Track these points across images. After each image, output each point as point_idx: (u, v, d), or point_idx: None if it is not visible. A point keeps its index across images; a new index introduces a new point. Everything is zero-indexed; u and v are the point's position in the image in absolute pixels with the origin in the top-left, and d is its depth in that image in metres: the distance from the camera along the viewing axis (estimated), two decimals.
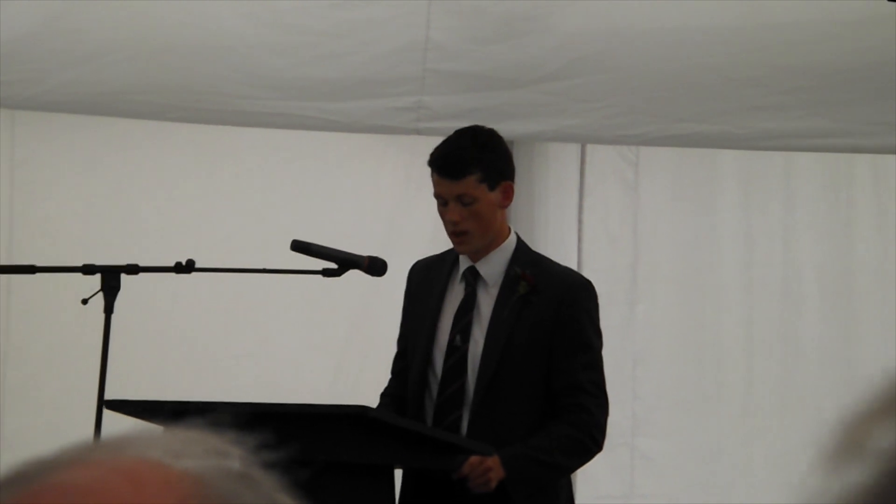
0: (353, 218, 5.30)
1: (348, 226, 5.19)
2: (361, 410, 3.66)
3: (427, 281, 4.00)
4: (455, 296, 3.95)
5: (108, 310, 3.87)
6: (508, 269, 3.92)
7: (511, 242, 3.97)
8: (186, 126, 5.08)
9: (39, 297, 5.02)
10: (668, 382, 5.48)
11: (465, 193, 3.87)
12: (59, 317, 5.00)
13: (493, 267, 3.94)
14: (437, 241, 4.22)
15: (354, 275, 3.95)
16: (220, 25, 4.81)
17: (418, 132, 4.86)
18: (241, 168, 5.36)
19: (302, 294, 5.15)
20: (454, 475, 3.79)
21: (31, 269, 3.95)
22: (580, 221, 5.54)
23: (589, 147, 5.51)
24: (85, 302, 3.84)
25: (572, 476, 4.09)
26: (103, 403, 3.83)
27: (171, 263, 3.92)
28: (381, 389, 4.09)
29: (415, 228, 5.20)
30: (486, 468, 3.79)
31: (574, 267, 4.99)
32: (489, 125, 4.04)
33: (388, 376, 4.11)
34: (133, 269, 3.91)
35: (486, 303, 3.92)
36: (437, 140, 4.02)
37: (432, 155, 3.92)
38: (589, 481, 5.32)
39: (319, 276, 3.94)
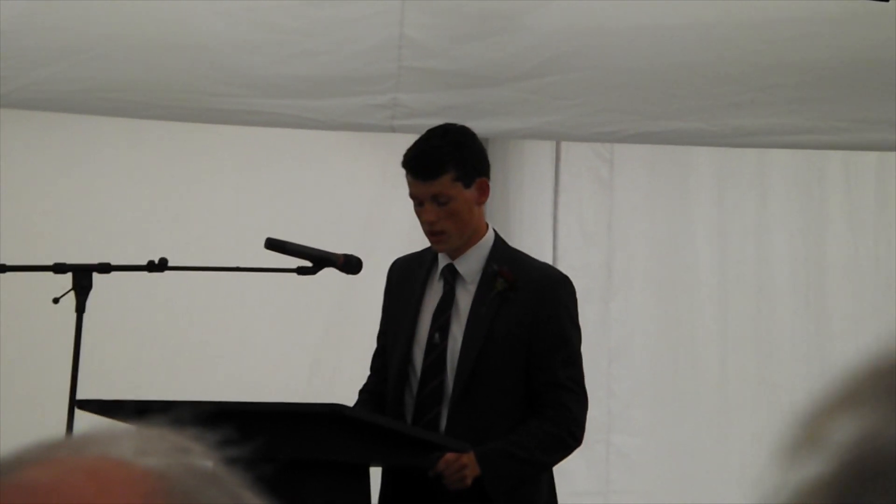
0: (329, 216, 5.29)
1: (324, 224, 5.18)
2: (337, 409, 3.65)
3: (407, 278, 4.00)
4: (434, 293, 3.95)
5: (80, 309, 3.85)
6: (486, 266, 3.92)
7: (489, 239, 3.97)
8: (161, 124, 5.06)
9: (10, 296, 4.99)
10: (643, 379, 5.49)
11: (441, 193, 3.87)
12: (31, 316, 4.97)
13: (471, 264, 3.94)
14: (413, 238, 4.22)
15: (329, 273, 3.95)
16: (196, 23, 4.79)
17: (394, 130, 4.86)
18: (216, 166, 5.35)
19: (277, 292, 5.14)
20: (430, 472, 3.79)
21: (1, 268, 3.92)
22: (555, 219, 5.54)
23: (564, 144, 5.51)
24: (56, 301, 3.82)
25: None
26: (75, 403, 3.81)
27: (144, 262, 3.90)
28: (358, 387, 4.09)
29: (391, 226, 5.19)
30: (462, 465, 3.79)
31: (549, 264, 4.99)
32: (464, 123, 4.04)
33: (365, 374, 4.10)
34: (105, 268, 3.90)
35: (464, 300, 3.92)
36: (413, 138, 4.01)
37: (405, 156, 3.92)
38: (565, 477, 5.32)
39: (294, 275, 3.93)
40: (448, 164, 3.87)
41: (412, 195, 3.91)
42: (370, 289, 4.12)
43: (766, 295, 5.51)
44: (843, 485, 0.64)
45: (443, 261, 3.97)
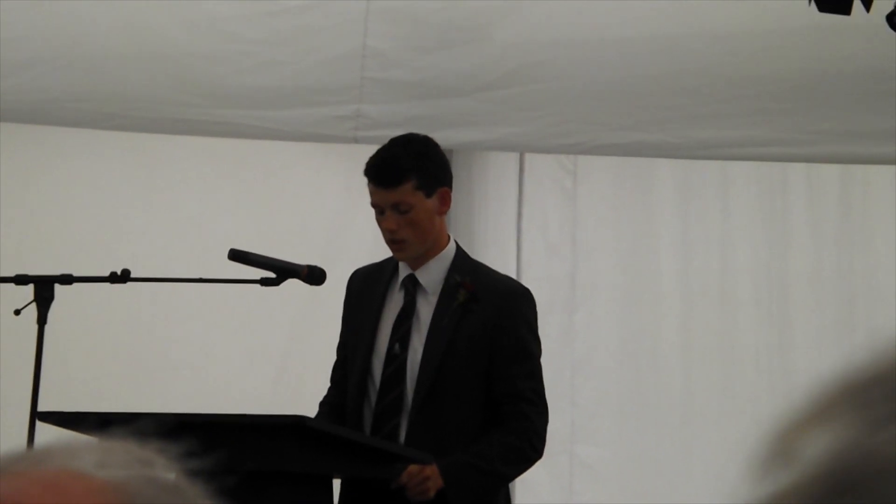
0: (292, 227, 5.28)
1: (287, 235, 5.17)
2: (299, 420, 3.64)
3: (367, 289, 4.00)
4: (394, 304, 3.95)
5: (42, 321, 3.83)
6: (448, 277, 3.92)
7: (450, 250, 3.97)
8: (123, 134, 5.04)
9: None
10: (606, 390, 5.50)
11: (402, 201, 3.87)
12: None
13: (433, 275, 3.94)
14: (377, 249, 4.21)
15: (293, 284, 3.94)
16: (158, 33, 4.78)
17: (357, 141, 4.85)
18: (178, 177, 5.33)
19: (240, 303, 5.12)
20: (393, 484, 3.78)
21: None
22: (519, 230, 5.55)
23: (528, 156, 5.52)
24: (17, 313, 3.79)
25: (512, 483, 4.09)
26: (36, 415, 3.79)
27: (107, 273, 3.88)
28: (321, 398, 4.08)
29: (354, 237, 5.18)
30: (425, 477, 3.78)
31: (513, 275, 5.00)
32: (428, 134, 4.04)
33: (328, 385, 4.10)
34: (67, 280, 3.87)
35: (425, 311, 3.92)
36: (377, 149, 4.01)
37: (367, 164, 3.92)
38: (528, 489, 5.33)
39: (258, 286, 3.92)
40: (409, 173, 3.87)
41: (373, 203, 3.91)
42: (333, 299, 4.12)
43: (730, 306, 5.53)
44: (814, 499, 0.64)
45: (404, 271, 3.96)
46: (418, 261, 3.94)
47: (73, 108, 4.82)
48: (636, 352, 5.52)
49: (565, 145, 5.09)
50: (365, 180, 3.95)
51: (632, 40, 4.87)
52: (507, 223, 5.54)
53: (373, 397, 3.90)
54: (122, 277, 3.86)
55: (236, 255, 3.90)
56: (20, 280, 3.85)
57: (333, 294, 4.11)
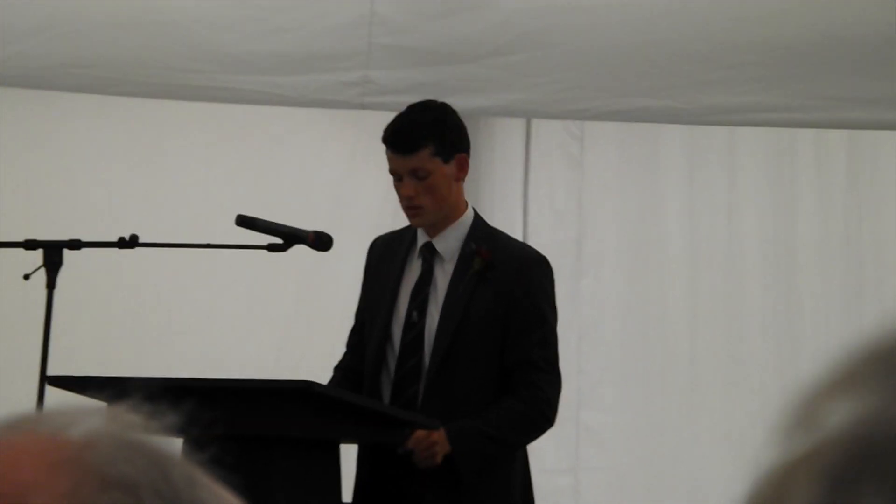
0: (299, 193, 5.28)
1: (294, 201, 5.17)
2: (306, 385, 3.65)
3: (386, 257, 4.00)
4: (413, 271, 3.95)
5: (51, 285, 3.84)
6: (465, 245, 3.92)
7: (468, 218, 3.98)
8: (130, 100, 5.04)
9: None
10: (613, 356, 5.51)
11: (420, 167, 3.87)
12: (1, 292, 4.95)
13: (450, 242, 3.94)
14: (383, 215, 4.22)
15: (300, 250, 3.94)
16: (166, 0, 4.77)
17: (364, 107, 4.84)
18: (186, 143, 5.33)
19: (246, 269, 5.13)
20: (399, 449, 3.80)
21: None
22: (525, 196, 5.54)
23: (534, 122, 5.51)
24: (27, 277, 3.81)
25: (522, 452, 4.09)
26: (45, 379, 3.80)
27: (115, 238, 3.89)
28: (326, 363, 4.09)
29: (360, 203, 5.19)
30: (432, 442, 3.79)
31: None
32: (447, 102, 4.04)
33: (334, 350, 4.10)
34: (75, 245, 3.88)
35: (442, 278, 3.92)
36: (383, 114, 4.01)
37: (385, 131, 3.92)
38: (534, 455, 5.33)
39: (264, 252, 3.92)
40: (427, 139, 3.87)
41: (391, 170, 3.91)
42: (339, 265, 4.12)
43: (736, 272, 5.52)
44: (837, 466, 0.64)
45: (422, 239, 3.97)
46: (436, 228, 3.94)
47: (80, 74, 4.82)
48: (642, 318, 5.52)
49: (572, 111, 5.08)
50: (372, 146, 3.96)
51: (639, 6, 4.85)
52: (513, 189, 5.54)
53: (391, 364, 3.91)
54: (131, 243, 3.87)
55: (243, 221, 3.91)
56: (29, 245, 3.86)
57: (339, 260, 4.12)
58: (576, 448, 5.46)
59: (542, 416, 3.86)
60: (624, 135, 5.50)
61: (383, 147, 3.92)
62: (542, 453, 5.34)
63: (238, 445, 3.56)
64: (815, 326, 5.46)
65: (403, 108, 4.01)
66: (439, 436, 3.79)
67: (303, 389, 3.64)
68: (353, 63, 4.85)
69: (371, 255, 4.04)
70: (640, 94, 4.95)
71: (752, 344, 5.50)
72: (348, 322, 4.10)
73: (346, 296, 4.12)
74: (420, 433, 3.78)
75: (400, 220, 4.11)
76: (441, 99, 4.09)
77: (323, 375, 4.07)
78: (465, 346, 3.86)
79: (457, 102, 4.78)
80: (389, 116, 4.01)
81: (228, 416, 3.56)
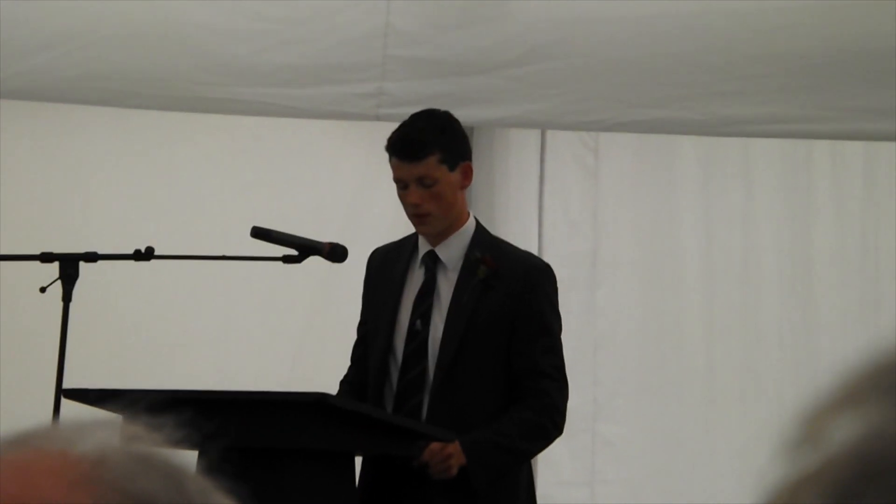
0: (314, 204, 5.29)
1: (308, 212, 5.18)
2: (321, 397, 3.65)
3: (386, 267, 4.00)
4: (415, 281, 3.95)
5: (67, 298, 3.85)
6: (468, 253, 3.92)
7: (470, 226, 3.98)
8: (146, 113, 5.06)
9: None
10: (628, 368, 5.50)
11: (426, 175, 3.88)
12: (17, 305, 4.97)
13: (453, 251, 3.94)
14: (397, 227, 4.21)
15: (315, 261, 3.94)
16: (181, 12, 4.79)
17: (379, 118, 4.85)
18: (201, 155, 5.34)
19: (262, 281, 5.14)
20: (415, 462, 3.79)
21: None
22: (540, 207, 5.54)
23: (549, 133, 5.51)
24: (43, 290, 3.82)
25: (534, 461, 4.09)
26: (61, 392, 3.81)
27: (131, 251, 3.90)
28: (341, 377, 4.09)
29: (375, 215, 5.19)
30: (447, 454, 3.79)
31: (535, 252, 4.99)
32: (450, 111, 4.05)
33: (349, 363, 4.10)
34: (92, 257, 3.89)
35: (445, 287, 3.92)
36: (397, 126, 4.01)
37: (390, 139, 3.92)
38: (550, 466, 5.33)
39: (279, 263, 3.93)
40: (433, 146, 3.88)
41: (397, 178, 3.91)
42: (354, 277, 4.12)
43: (753, 284, 5.51)
44: (842, 483, 0.64)
45: (423, 248, 3.97)
46: (438, 237, 3.94)
47: (96, 87, 4.83)
48: (658, 329, 5.51)
49: (587, 122, 5.08)
50: (385, 158, 3.95)
51: (654, 17, 4.85)
52: (528, 200, 5.53)
53: (394, 374, 3.91)
54: (146, 255, 3.88)
55: (258, 233, 3.91)
56: (46, 258, 3.87)
57: (353, 272, 4.12)
58: (592, 460, 5.45)
59: (552, 423, 3.86)
60: (639, 146, 5.49)
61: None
62: (558, 464, 5.33)
63: (252, 458, 3.56)
64: (831, 338, 5.45)
65: None
66: (454, 448, 3.79)
67: (317, 402, 3.64)
68: (368, 75, 4.86)
69: (370, 267, 4.05)
70: (655, 104, 4.95)
71: (768, 355, 5.48)
72: None
73: (359, 307, 4.12)
74: (435, 446, 3.78)
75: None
76: (456, 110, 4.10)
77: (337, 387, 4.06)
78: (471, 354, 3.86)
79: (472, 114, 4.79)
80: None
81: (243, 428, 3.56)
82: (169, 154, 5.33)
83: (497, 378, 3.88)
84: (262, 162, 5.36)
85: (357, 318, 4.09)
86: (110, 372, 4.78)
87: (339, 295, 4.97)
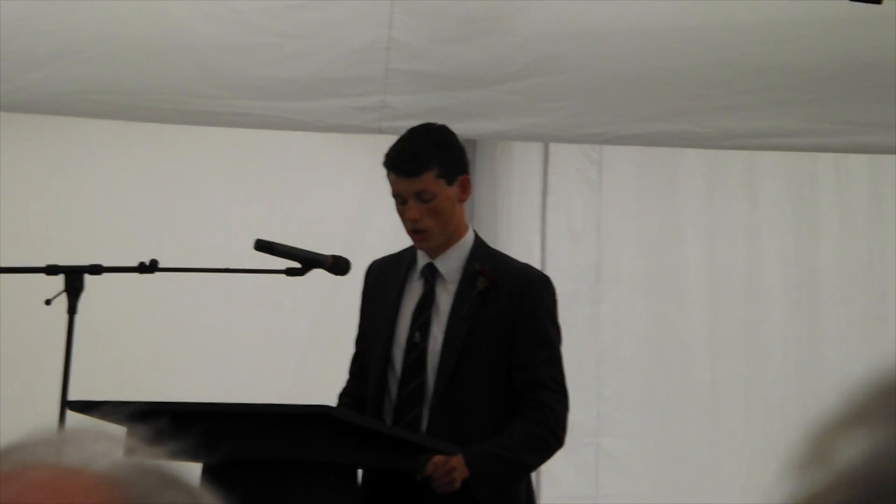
0: (316, 217, 5.30)
1: (311, 225, 5.19)
2: (324, 410, 3.65)
3: (384, 280, 4.00)
4: (413, 293, 3.95)
5: (72, 310, 3.85)
6: (467, 266, 3.92)
7: (469, 239, 3.98)
8: (149, 126, 5.07)
9: (2, 298, 4.99)
10: (632, 381, 5.49)
11: (424, 190, 3.88)
12: (22, 317, 4.98)
13: (452, 263, 3.94)
14: (399, 239, 4.22)
15: (317, 274, 3.95)
16: (183, 26, 4.80)
17: (381, 132, 4.86)
18: (204, 168, 5.36)
19: (265, 293, 5.14)
20: (418, 475, 3.79)
21: None
22: (543, 220, 5.54)
23: (552, 146, 5.52)
24: (48, 303, 3.82)
25: (537, 475, 4.09)
26: (66, 404, 3.81)
27: (135, 263, 3.90)
28: (341, 390, 4.09)
29: (377, 228, 5.20)
30: (451, 468, 3.78)
31: (538, 266, 4.99)
32: (452, 125, 4.05)
33: (348, 376, 4.10)
34: (96, 270, 3.90)
35: (444, 299, 3.92)
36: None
37: (387, 155, 3.93)
38: (554, 481, 5.33)
39: (283, 276, 3.93)
40: (431, 161, 3.88)
41: (395, 193, 3.92)
42: (356, 290, 4.13)
43: (757, 297, 5.51)
44: (849, 502, 0.64)
45: (422, 260, 3.97)
46: (437, 250, 3.95)
47: (99, 100, 4.85)
48: (662, 343, 5.50)
49: (590, 135, 5.08)
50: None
51: (657, 30, 4.86)
52: (531, 213, 5.54)
53: (393, 387, 3.91)
54: (151, 267, 3.89)
55: (262, 246, 3.92)
56: (51, 270, 3.88)
57: (356, 285, 4.12)
58: (595, 474, 5.45)
59: (553, 436, 3.86)
60: (642, 159, 5.50)
61: None
62: (561, 480, 5.33)
63: (255, 470, 3.56)
64: (836, 352, 5.44)
65: None
66: (457, 461, 3.79)
67: (321, 414, 3.64)
68: (370, 88, 4.87)
69: (368, 280, 4.05)
70: (658, 118, 4.95)
71: (772, 369, 5.48)
72: None
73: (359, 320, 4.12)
74: (438, 459, 3.78)
75: None
76: (458, 124, 4.11)
77: (337, 401, 4.07)
78: (470, 365, 3.86)
79: (474, 127, 4.80)
80: None
81: (245, 440, 3.56)
82: (172, 167, 5.34)
83: (496, 390, 3.88)
84: (265, 175, 5.37)
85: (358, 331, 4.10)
86: (115, 384, 4.79)
87: (342, 308, 4.97)
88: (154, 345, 5.24)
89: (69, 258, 3.98)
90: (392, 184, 3.91)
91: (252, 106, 4.89)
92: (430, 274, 3.95)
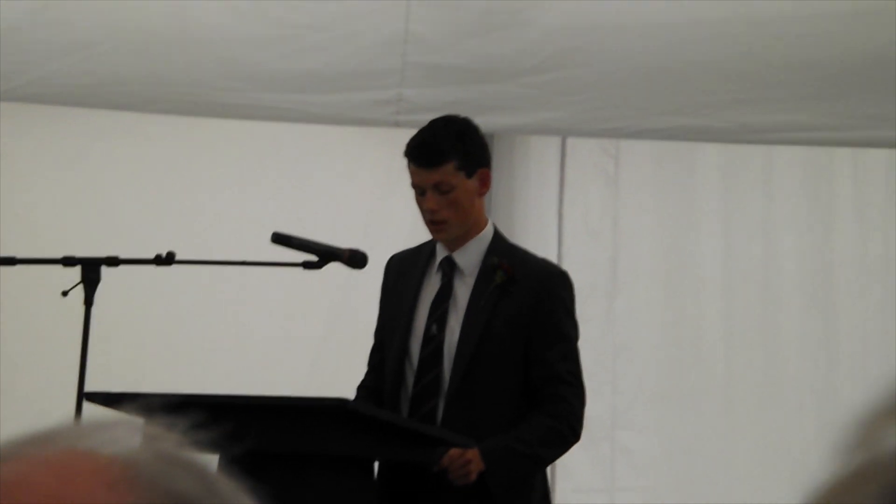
0: (333, 210, 5.30)
1: (328, 218, 5.19)
2: (340, 403, 3.66)
3: (404, 273, 4.01)
4: (432, 286, 3.96)
5: (88, 302, 3.86)
6: (485, 259, 3.93)
7: (488, 233, 3.98)
8: (167, 118, 5.08)
9: (19, 289, 5.01)
10: (648, 376, 5.49)
11: (443, 181, 3.88)
12: (39, 309, 4.99)
13: (470, 257, 3.94)
14: (416, 233, 4.22)
15: (334, 267, 3.95)
16: (201, 18, 4.81)
17: (398, 125, 4.86)
18: (222, 160, 5.36)
19: (282, 286, 5.15)
20: (434, 468, 3.79)
21: (10, 261, 3.94)
22: (560, 215, 5.54)
23: (569, 140, 5.51)
24: (65, 294, 3.83)
25: (552, 469, 4.09)
26: (83, 396, 3.82)
27: (152, 255, 3.91)
28: (359, 382, 4.09)
29: (394, 221, 5.20)
30: (466, 460, 3.79)
31: (554, 260, 4.99)
32: (469, 118, 4.04)
33: (366, 370, 4.11)
34: (113, 262, 3.90)
35: (462, 292, 3.92)
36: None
37: (408, 145, 3.93)
38: (569, 474, 5.33)
39: (299, 269, 3.93)
40: (451, 153, 3.88)
41: (414, 184, 3.92)
42: (373, 283, 4.13)
43: (773, 292, 5.50)
44: (892, 489, 0.64)
45: (441, 253, 3.97)
46: (456, 243, 3.95)
47: (117, 92, 4.86)
48: (678, 338, 5.50)
49: (607, 129, 5.08)
50: (404, 164, 3.96)
51: (675, 25, 4.85)
52: (548, 207, 5.53)
53: (410, 379, 3.92)
54: (168, 260, 3.89)
55: (279, 239, 3.92)
56: (67, 262, 3.88)
57: (372, 278, 4.12)
58: (611, 468, 5.45)
59: (570, 429, 3.86)
60: (660, 153, 5.49)
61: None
62: (577, 472, 5.33)
63: (272, 462, 3.56)
64: (852, 346, 5.43)
65: None
66: (473, 454, 3.79)
67: (337, 407, 3.64)
68: (387, 81, 4.87)
69: (388, 273, 4.05)
70: (675, 112, 4.95)
71: (788, 364, 5.47)
72: None
73: (377, 314, 4.12)
74: (455, 452, 3.78)
75: None
76: (475, 117, 4.10)
77: (355, 393, 4.07)
78: (487, 359, 3.86)
79: (491, 120, 4.80)
80: None
81: (262, 433, 3.56)
82: (189, 159, 5.34)
83: (512, 383, 3.88)
84: (282, 167, 5.38)
85: (373, 324, 4.10)
86: (131, 375, 4.80)
87: (359, 301, 4.98)
88: (170, 337, 5.25)
89: (86, 250, 3.98)
90: (411, 174, 3.92)
91: (269, 98, 4.89)
92: (449, 267, 3.95)
